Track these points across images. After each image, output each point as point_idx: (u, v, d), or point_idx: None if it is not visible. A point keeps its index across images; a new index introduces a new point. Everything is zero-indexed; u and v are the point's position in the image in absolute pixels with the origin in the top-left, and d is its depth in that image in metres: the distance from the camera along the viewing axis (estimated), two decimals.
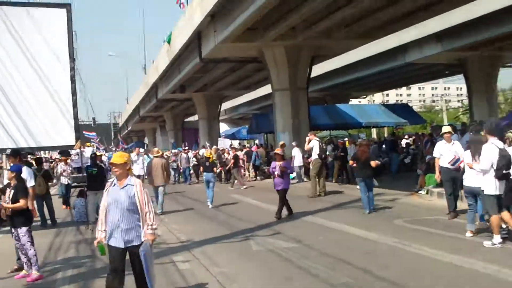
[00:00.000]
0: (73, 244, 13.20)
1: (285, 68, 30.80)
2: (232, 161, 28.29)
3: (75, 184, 22.42)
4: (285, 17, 25.50)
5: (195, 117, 63.46)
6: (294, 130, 30.25)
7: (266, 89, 46.39)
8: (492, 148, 10.12)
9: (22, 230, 9.87)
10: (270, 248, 11.18)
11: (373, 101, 79.14)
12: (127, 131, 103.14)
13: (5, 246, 10.71)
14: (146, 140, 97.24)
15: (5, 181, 10.53)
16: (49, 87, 15.52)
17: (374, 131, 60.62)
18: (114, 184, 7.24)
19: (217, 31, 29.61)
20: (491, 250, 9.88)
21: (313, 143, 21.25)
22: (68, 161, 23.38)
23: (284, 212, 15.82)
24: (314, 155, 21.12)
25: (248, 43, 29.78)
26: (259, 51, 31.30)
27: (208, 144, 36.52)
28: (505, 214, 10.11)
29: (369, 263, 9.40)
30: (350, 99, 61.93)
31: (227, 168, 29.90)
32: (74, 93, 15.91)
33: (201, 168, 23.54)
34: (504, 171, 9.99)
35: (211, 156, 20.55)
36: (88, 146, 39.53)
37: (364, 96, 68.16)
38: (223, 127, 68.18)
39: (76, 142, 15.79)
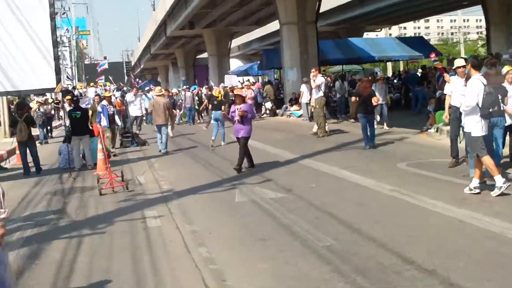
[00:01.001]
0: (48, 196, 12.26)
1: (292, 1, 29.36)
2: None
3: None
4: None
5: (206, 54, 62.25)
6: (302, 65, 29.10)
7: (277, 25, 44.87)
8: (477, 84, 9.09)
9: None
10: (254, 199, 10.12)
11: (390, 34, 76.89)
12: (140, 69, 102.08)
13: None
14: (159, 78, 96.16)
15: None
16: (26, 25, 14.28)
17: (389, 65, 58.84)
18: None
19: None
20: (499, 200, 8.80)
21: (320, 79, 20.10)
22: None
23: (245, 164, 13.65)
24: (320, 92, 19.95)
25: None
26: None
27: (211, 83, 35.35)
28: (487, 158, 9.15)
29: (360, 217, 8.37)
30: (366, 33, 59.98)
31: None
32: (54, 32, 14.60)
33: (210, 106, 22.88)
34: (490, 110, 9.13)
35: (219, 94, 20.52)
36: (91, 86, 38.69)
37: (379, 30, 65.95)
38: (237, 63, 67.12)
39: (57, 85, 14.66)
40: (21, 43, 14.29)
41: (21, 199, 11.95)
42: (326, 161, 14.01)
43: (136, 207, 10.27)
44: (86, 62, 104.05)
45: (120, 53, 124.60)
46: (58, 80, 14.69)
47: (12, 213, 10.62)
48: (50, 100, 32.31)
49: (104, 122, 17.62)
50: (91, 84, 42.84)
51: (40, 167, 16.01)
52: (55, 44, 14.65)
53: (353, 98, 17.18)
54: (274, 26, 49.97)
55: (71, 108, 16.77)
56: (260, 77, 50.68)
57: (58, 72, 14.70)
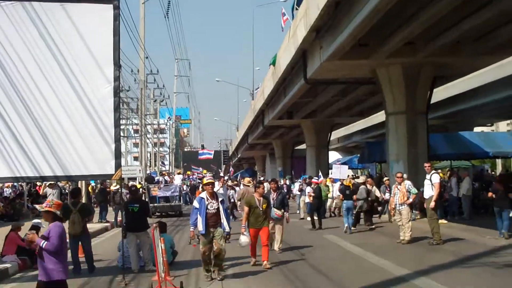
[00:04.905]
0: None
1: (401, 89, 26.59)
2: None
3: None
4: (400, 30, 21.38)
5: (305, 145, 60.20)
6: (409, 159, 25.83)
7: (381, 117, 42.03)
8: None
9: None
10: None
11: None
12: (237, 158, 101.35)
13: None
14: (256, 168, 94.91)
15: None
16: (85, 101, 12.13)
17: (499, 162, 54.33)
18: None
19: (323, 47, 25.72)
20: None
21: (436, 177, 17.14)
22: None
23: None
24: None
25: (358, 61, 25.66)
26: (371, 70, 27.24)
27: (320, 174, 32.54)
28: None
29: None
30: (474, 127, 55.83)
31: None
32: (117, 109, 12.35)
33: (341, 196, 21.92)
34: None
35: (350, 184, 21.40)
36: (178, 174, 36.82)
37: (490, 124, 61.63)
38: (335, 156, 65.43)
39: (116, 170, 12.23)
40: (78, 122, 12.13)
41: None
42: (450, 283, 10.65)
43: None
44: (185, 150, 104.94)
45: (219, 141, 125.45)
46: (118, 166, 12.28)
47: None
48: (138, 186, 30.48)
49: (200, 226, 11.74)
50: (178, 171, 41.27)
51: (93, 265, 13.73)
52: (117, 123, 12.32)
53: (489, 194, 17.99)
54: (377, 118, 47.28)
55: (128, 200, 14.25)
56: (359, 171, 47.86)
57: (118, 156, 12.30)
